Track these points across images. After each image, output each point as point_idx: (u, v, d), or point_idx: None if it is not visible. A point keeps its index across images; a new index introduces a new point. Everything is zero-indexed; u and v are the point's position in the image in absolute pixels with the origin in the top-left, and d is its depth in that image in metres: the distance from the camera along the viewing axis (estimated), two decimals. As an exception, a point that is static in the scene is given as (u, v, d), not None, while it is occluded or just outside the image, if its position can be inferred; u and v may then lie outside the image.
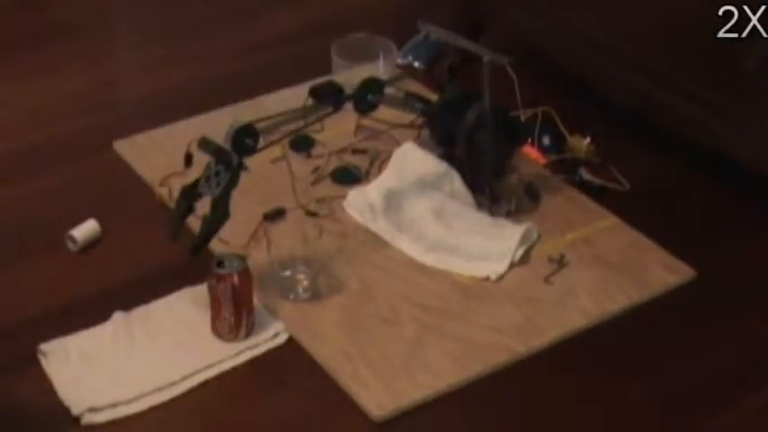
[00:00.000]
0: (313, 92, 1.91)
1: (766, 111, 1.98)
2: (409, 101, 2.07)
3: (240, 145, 1.79)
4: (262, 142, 1.83)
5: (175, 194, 1.84)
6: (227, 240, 1.85)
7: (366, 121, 2.24)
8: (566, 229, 2.01)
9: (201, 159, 1.81)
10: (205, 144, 1.78)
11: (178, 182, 1.89)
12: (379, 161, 2.13)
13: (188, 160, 1.87)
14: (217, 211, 1.77)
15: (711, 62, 2.04)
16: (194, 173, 1.82)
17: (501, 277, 1.89)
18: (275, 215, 1.81)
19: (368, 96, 1.95)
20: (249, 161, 1.80)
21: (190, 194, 1.80)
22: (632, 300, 1.86)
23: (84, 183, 2.13)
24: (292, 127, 1.90)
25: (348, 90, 1.92)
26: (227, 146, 1.78)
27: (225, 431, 1.64)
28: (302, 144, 2.17)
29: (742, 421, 1.67)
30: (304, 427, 1.64)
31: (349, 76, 2.08)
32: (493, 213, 2.02)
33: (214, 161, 1.78)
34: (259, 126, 1.82)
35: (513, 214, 2.02)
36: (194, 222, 1.82)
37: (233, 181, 1.77)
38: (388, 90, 2.01)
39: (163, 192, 2.05)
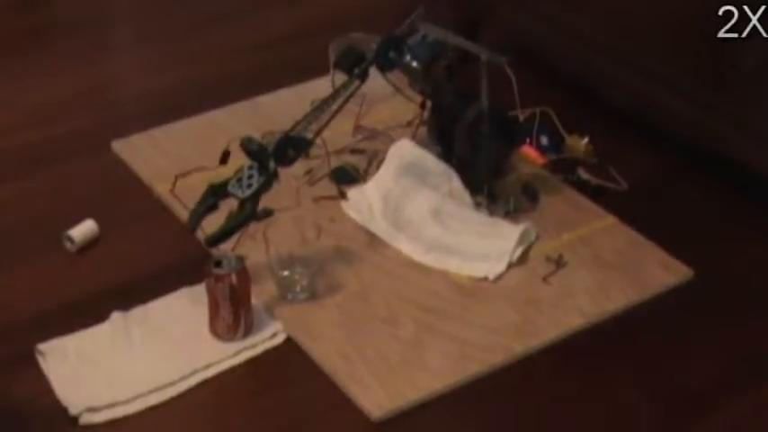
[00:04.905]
0: (338, 64, 1.93)
1: (765, 111, 1.98)
2: (420, 77, 2.07)
3: (282, 155, 1.81)
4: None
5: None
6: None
7: (364, 122, 2.24)
8: (564, 229, 2.01)
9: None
10: (248, 142, 1.80)
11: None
12: (377, 161, 2.13)
13: (224, 158, 1.89)
14: (244, 210, 1.78)
15: (711, 62, 2.04)
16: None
17: (499, 277, 1.89)
18: (263, 215, 1.81)
19: (389, 54, 1.95)
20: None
21: (217, 192, 1.80)
22: (630, 300, 1.86)
23: (83, 183, 2.12)
24: (327, 116, 1.91)
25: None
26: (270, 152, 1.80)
27: (223, 431, 1.64)
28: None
29: (741, 421, 1.67)
30: (302, 428, 1.64)
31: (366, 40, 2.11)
32: (491, 213, 2.02)
33: (248, 164, 1.79)
34: (294, 132, 1.84)
35: (512, 214, 2.02)
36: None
37: (265, 186, 1.79)
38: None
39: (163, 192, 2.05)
